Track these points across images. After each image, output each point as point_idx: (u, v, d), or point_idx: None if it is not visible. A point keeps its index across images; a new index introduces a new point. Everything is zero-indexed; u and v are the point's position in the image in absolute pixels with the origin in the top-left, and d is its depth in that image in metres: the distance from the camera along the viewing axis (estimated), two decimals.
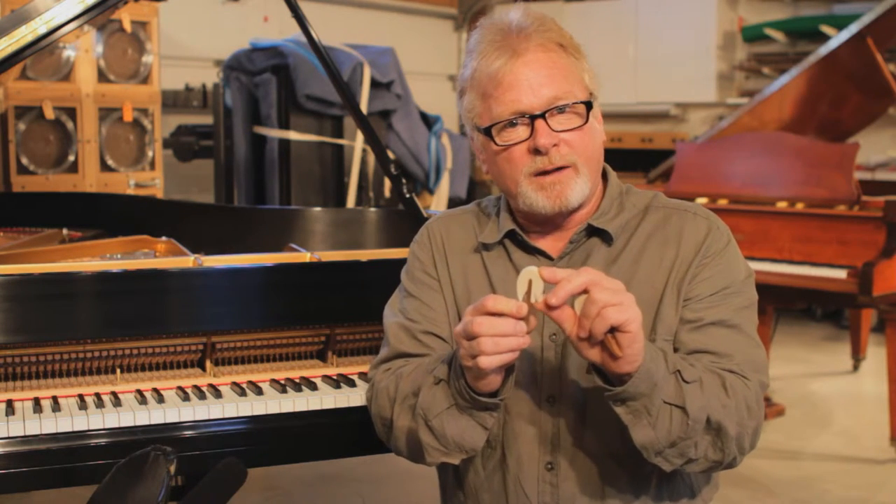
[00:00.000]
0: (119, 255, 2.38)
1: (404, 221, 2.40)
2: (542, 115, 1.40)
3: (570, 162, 1.42)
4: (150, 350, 1.79)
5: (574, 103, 1.42)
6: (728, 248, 1.46)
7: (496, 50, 1.42)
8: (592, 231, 1.47)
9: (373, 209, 3.03)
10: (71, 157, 4.31)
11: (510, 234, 1.51)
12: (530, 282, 1.25)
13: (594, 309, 1.20)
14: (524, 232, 1.50)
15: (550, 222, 1.49)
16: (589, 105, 1.44)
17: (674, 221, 1.48)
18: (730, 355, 1.38)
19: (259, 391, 1.73)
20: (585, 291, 1.22)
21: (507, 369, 1.32)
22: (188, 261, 1.92)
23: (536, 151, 1.41)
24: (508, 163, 1.44)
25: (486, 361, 1.24)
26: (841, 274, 3.58)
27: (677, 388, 1.28)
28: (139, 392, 1.72)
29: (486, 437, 1.40)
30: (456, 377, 1.34)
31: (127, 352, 1.77)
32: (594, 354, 1.24)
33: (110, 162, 4.43)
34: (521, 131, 1.42)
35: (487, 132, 1.44)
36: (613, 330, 1.21)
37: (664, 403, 1.28)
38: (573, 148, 1.42)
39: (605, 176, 1.54)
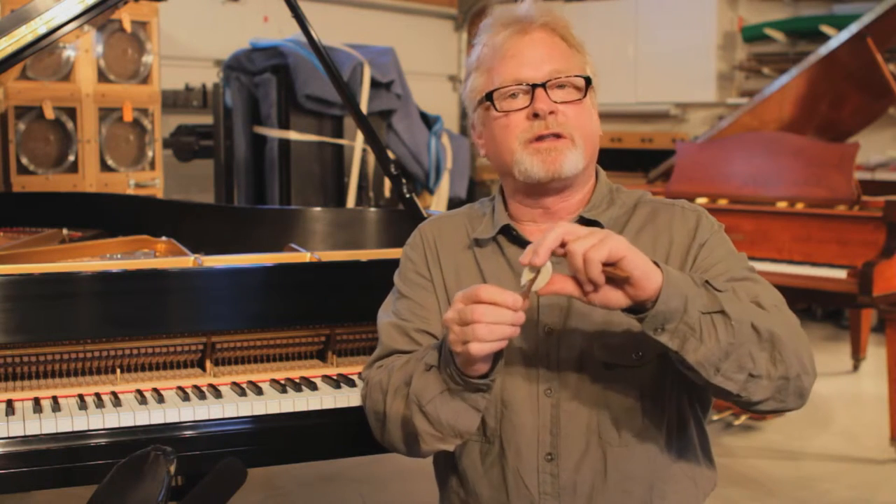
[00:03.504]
0: (119, 255, 2.38)
1: (404, 221, 2.40)
2: (543, 85, 1.44)
3: (566, 131, 1.45)
4: (150, 350, 1.79)
5: (574, 76, 1.46)
6: (720, 232, 1.49)
7: (503, 28, 1.48)
8: (584, 223, 1.49)
9: (373, 209, 3.03)
10: (71, 157, 4.31)
11: (504, 230, 1.52)
12: (538, 271, 1.24)
13: (578, 259, 1.20)
14: (518, 226, 1.52)
15: (543, 205, 1.50)
16: (588, 81, 1.48)
17: (663, 215, 1.50)
18: (756, 295, 1.37)
19: (259, 391, 1.73)
20: (563, 245, 1.22)
21: (496, 353, 1.33)
22: (188, 261, 1.92)
23: (535, 116, 1.44)
24: (506, 129, 1.47)
25: (477, 348, 1.25)
26: (841, 274, 3.58)
27: (711, 297, 1.27)
28: (139, 392, 1.72)
29: (479, 419, 1.41)
30: (446, 363, 1.35)
31: (127, 352, 1.77)
32: (614, 298, 1.23)
33: (110, 162, 4.43)
34: (521, 100, 1.46)
35: (489, 97, 1.47)
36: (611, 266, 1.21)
37: (703, 314, 1.26)
38: (569, 120, 1.45)
39: (595, 174, 1.56)
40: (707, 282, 1.29)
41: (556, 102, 1.44)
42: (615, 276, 1.21)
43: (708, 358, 1.27)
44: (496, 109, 1.47)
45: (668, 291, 1.23)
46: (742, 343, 1.27)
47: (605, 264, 1.20)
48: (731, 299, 1.29)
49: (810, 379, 1.34)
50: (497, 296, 1.24)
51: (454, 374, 1.34)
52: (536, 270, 1.24)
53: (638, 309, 1.26)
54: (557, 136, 1.44)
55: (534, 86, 1.44)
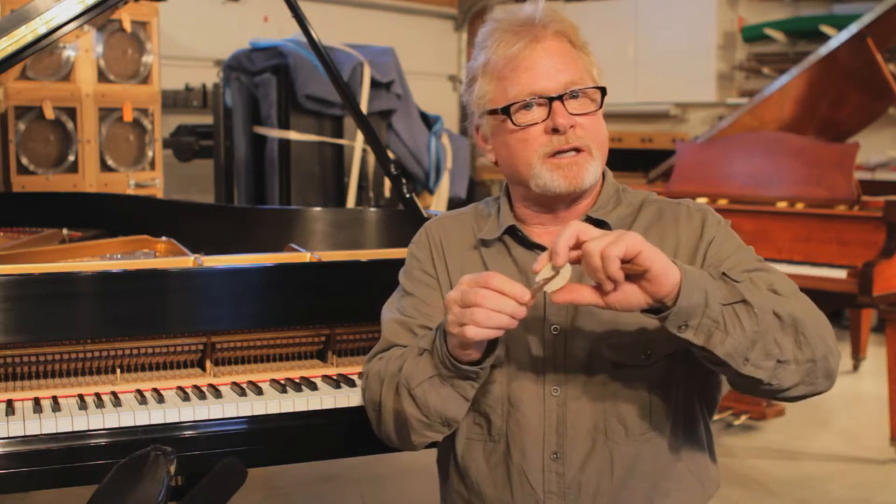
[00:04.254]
0: (119, 255, 2.38)
1: (404, 221, 2.40)
2: (560, 98, 1.43)
3: (584, 144, 1.44)
4: (150, 350, 1.79)
5: (589, 88, 1.46)
6: (726, 227, 1.49)
7: (514, 35, 1.45)
8: (592, 223, 1.49)
9: (373, 209, 3.03)
10: (71, 157, 4.31)
11: (510, 231, 1.52)
12: (558, 271, 1.25)
13: (595, 259, 1.21)
14: (524, 227, 1.52)
15: (553, 211, 1.50)
16: (604, 91, 1.47)
17: (668, 215, 1.51)
18: (771, 284, 1.38)
19: (259, 391, 1.73)
20: (578, 247, 1.23)
21: (491, 343, 1.34)
22: (188, 261, 1.92)
23: (554, 131, 1.43)
24: (524, 143, 1.46)
25: (473, 331, 1.26)
26: (841, 274, 3.58)
27: (730, 288, 1.28)
28: (139, 392, 1.72)
29: (467, 408, 1.42)
30: (440, 343, 1.36)
31: (127, 352, 1.77)
32: (634, 299, 1.24)
33: (110, 162, 4.43)
34: (537, 113, 1.44)
35: (506, 111, 1.46)
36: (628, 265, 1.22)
37: (724, 306, 1.26)
38: (586, 131, 1.45)
39: (602, 175, 1.56)
40: (724, 273, 1.30)
41: (573, 115, 1.44)
42: (633, 271, 1.22)
43: (736, 348, 1.27)
44: (513, 124, 1.46)
45: (687, 287, 1.23)
46: (767, 330, 1.28)
47: (622, 262, 1.21)
48: (749, 288, 1.29)
49: (836, 359, 1.35)
50: (504, 285, 1.25)
51: (445, 360, 1.35)
52: (556, 271, 1.24)
53: (657, 309, 1.26)
54: (576, 149, 1.44)
55: (551, 99, 1.43)
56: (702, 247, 1.45)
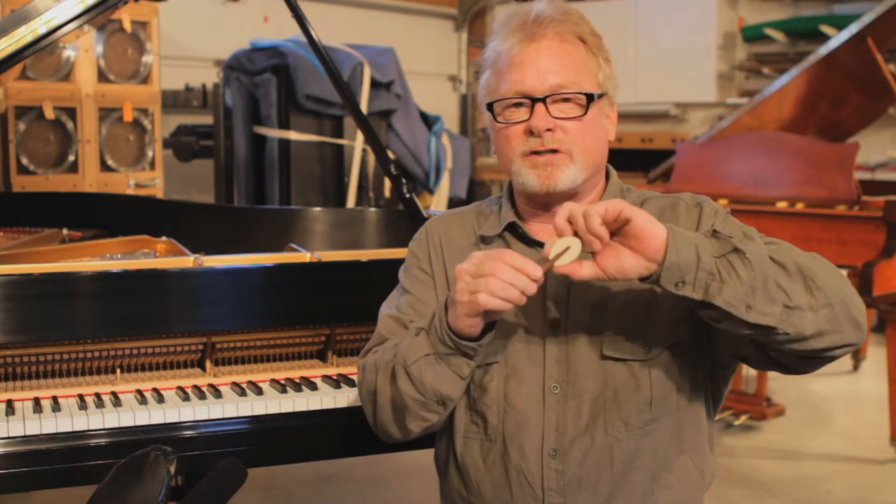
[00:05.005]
0: (119, 255, 2.38)
1: (404, 221, 2.40)
2: (543, 100, 1.44)
3: (564, 148, 1.45)
4: (150, 350, 1.79)
5: (576, 93, 1.45)
6: (723, 213, 1.49)
7: (513, 32, 1.47)
8: None
9: (373, 209, 3.03)
10: (71, 157, 4.31)
11: (510, 227, 1.53)
12: (567, 248, 1.28)
13: (579, 220, 1.27)
14: (524, 224, 1.53)
15: (549, 209, 1.51)
16: (590, 98, 1.46)
17: (668, 211, 1.51)
18: (778, 247, 1.37)
19: (259, 391, 1.73)
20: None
21: (489, 324, 1.36)
22: (188, 261, 1.92)
23: (530, 133, 1.45)
24: (506, 140, 1.49)
25: (485, 299, 1.28)
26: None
27: (722, 242, 1.29)
28: (139, 392, 1.72)
29: (463, 388, 1.43)
30: (440, 320, 1.37)
31: (127, 352, 1.77)
32: (629, 261, 1.27)
33: (110, 162, 4.43)
34: (522, 112, 1.46)
35: (490, 108, 1.49)
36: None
37: (717, 258, 1.27)
38: (569, 136, 1.45)
39: (607, 175, 1.57)
40: (715, 231, 1.31)
41: (556, 118, 1.44)
42: (618, 225, 1.26)
43: (735, 296, 1.27)
44: (496, 120, 1.48)
45: (674, 242, 1.25)
46: (766, 276, 1.27)
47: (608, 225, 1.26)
48: (742, 240, 1.30)
49: (858, 308, 1.33)
50: (519, 261, 1.28)
51: (444, 335, 1.36)
52: (567, 245, 1.28)
53: (655, 278, 1.28)
54: (555, 151, 1.44)
55: (534, 100, 1.44)
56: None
